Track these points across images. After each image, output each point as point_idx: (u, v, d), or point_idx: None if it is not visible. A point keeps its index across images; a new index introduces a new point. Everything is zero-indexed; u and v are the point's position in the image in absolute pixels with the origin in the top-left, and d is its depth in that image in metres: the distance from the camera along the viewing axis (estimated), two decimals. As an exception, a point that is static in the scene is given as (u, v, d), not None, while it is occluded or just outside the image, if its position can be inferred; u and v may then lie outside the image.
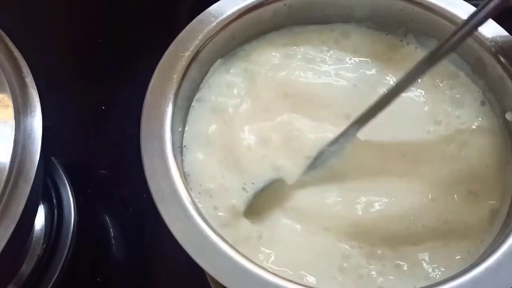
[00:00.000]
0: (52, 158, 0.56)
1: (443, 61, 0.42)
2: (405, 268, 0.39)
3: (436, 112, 0.45)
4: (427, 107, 0.45)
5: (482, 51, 0.44)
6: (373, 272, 0.39)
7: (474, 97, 0.45)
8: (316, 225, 0.40)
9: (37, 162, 0.38)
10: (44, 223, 0.52)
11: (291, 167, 0.42)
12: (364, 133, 0.42)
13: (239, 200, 0.40)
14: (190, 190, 0.39)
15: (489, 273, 0.34)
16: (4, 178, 0.37)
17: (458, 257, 0.39)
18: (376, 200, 0.41)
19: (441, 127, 0.44)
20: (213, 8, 0.46)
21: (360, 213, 0.41)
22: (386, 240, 0.40)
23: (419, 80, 0.42)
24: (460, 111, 0.45)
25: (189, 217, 0.36)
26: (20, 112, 0.40)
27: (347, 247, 0.40)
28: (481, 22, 0.38)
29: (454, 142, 0.44)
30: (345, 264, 0.39)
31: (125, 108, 0.58)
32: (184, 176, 0.40)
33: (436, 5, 0.46)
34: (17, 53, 0.43)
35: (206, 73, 0.46)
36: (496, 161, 0.43)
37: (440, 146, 0.44)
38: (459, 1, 0.46)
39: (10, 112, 0.40)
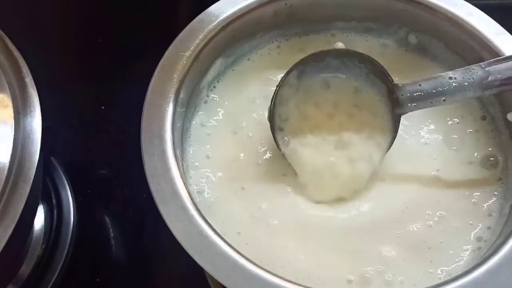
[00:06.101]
0: (52, 158, 0.56)
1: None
2: None
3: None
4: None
5: (483, 52, 0.44)
6: None
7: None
8: None
9: (36, 162, 0.38)
10: (43, 223, 0.52)
11: None
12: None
13: None
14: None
15: (490, 274, 0.34)
16: (4, 178, 0.37)
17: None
18: None
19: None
20: (213, 7, 0.46)
21: None
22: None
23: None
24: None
25: (190, 217, 0.36)
26: (20, 112, 0.40)
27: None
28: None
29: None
30: None
31: (125, 108, 0.58)
32: (186, 176, 0.40)
33: (437, 5, 0.46)
34: (16, 53, 0.43)
35: (206, 72, 0.46)
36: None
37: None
38: (461, 1, 0.46)
39: (9, 112, 0.40)
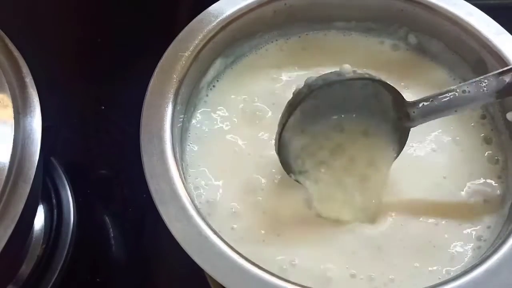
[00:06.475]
0: (52, 158, 0.56)
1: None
2: None
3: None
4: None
5: (483, 52, 0.44)
6: None
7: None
8: None
9: (36, 162, 0.38)
10: (43, 223, 0.52)
11: None
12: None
13: None
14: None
15: (489, 273, 0.34)
16: (4, 178, 0.37)
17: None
18: None
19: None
20: (213, 7, 0.46)
21: None
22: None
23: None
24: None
25: (189, 217, 0.36)
26: (20, 112, 0.40)
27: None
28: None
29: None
30: None
31: (125, 108, 0.58)
32: (185, 176, 0.40)
33: (437, 5, 0.46)
34: (16, 53, 0.43)
35: (206, 72, 0.46)
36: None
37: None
38: (460, 1, 0.46)
39: (9, 112, 0.40)
